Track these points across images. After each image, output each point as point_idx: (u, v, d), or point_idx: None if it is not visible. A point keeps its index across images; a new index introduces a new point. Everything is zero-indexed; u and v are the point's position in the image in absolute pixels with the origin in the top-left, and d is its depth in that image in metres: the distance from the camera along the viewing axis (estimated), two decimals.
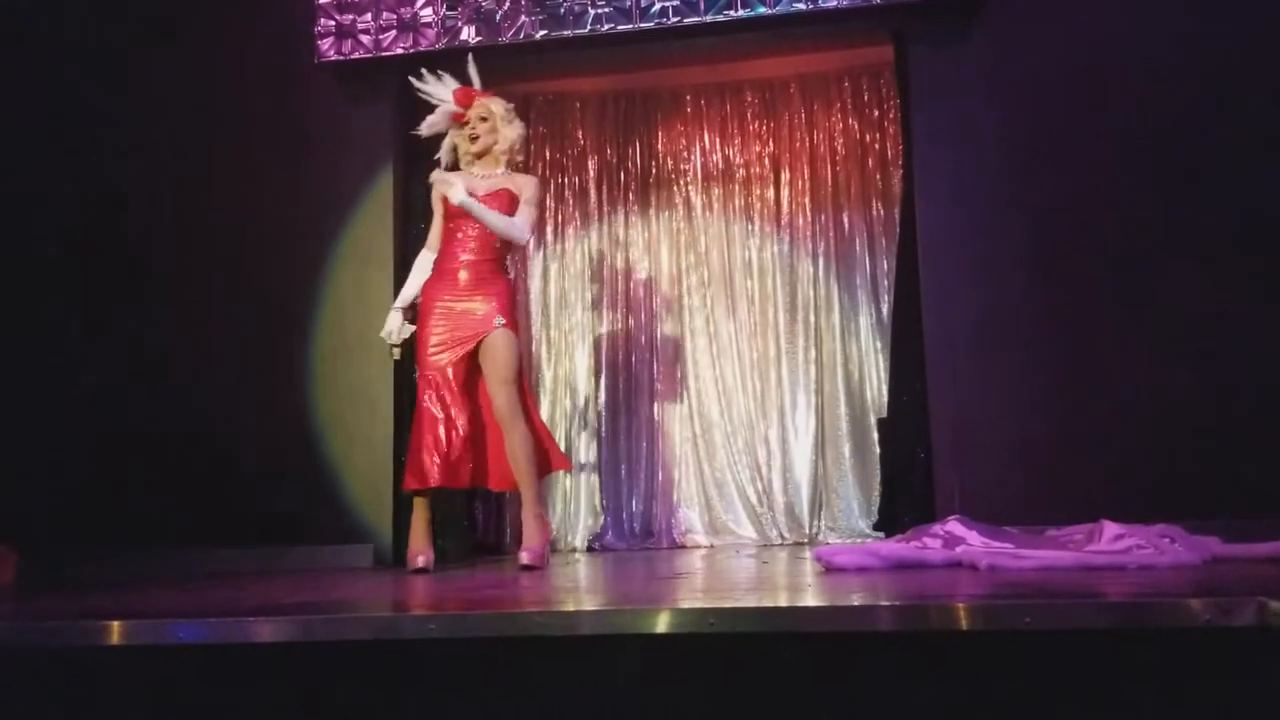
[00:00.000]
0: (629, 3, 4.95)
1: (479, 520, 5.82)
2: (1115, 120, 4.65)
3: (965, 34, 4.83)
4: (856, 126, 6.10)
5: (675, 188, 6.29)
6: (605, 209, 6.30)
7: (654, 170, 6.32)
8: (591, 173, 6.32)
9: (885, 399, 5.43)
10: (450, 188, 4.05)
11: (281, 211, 5.23)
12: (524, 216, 4.15)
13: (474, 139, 4.22)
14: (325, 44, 5.16)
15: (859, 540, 5.35)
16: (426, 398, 4.00)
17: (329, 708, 2.16)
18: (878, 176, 6.03)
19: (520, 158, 4.35)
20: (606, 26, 4.98)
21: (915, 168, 4.88)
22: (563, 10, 4.98)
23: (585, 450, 6.06)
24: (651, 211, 6.29)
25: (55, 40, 5.41)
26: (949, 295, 4.75)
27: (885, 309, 5.76)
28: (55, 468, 5.08)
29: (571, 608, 2.25)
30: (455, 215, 4.09)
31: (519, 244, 4.32)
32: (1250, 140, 4.47)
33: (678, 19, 4.90)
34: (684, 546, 5.75)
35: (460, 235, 4.11)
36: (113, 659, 2.19)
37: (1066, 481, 4.48)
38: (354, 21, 5.13)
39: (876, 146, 6.05)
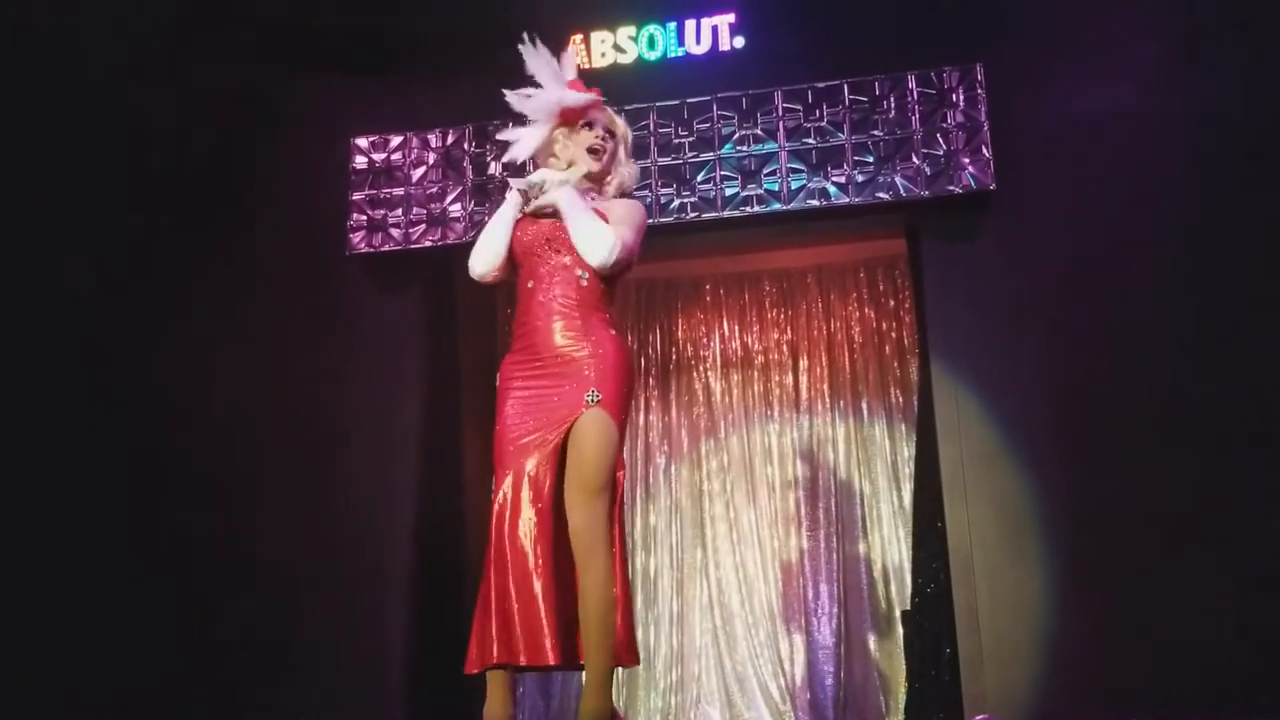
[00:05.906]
0: (649, 199, 5.10)
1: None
2: (1127, 304, 4.69)
3: (976, 227, 4.92)
4: (873, 315, 6.21)
5: (695, 374, 6.37)
6: None
7: (674, 356, 6.42)
8: None
9: (910, 590, 5.30)
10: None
11: (317, 398, 5.21)
12: (612, 231, 2.85)
13: (597, 154, 2.92)
14: (357, 237, 5.32)
15: None
16: (495, 532, 2.75)
17: None
18: (895, 364, 6.10)
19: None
20: None
21: (930, 356, 4.92)
22: None
23: None
24: (671, 397, 6.34)
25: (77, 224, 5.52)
26: (969, 484, 4.68)
27: (907, 496, 5.70)
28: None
29: None
30: (528, 250, 2.85)
31: (604, 261, 2.82)
32: (1262, 328, 4.49)
33: (695, 214, 5.06)
34: None
35: (532, 282, 2.84)
36: None
37: (1099, 676, 4.30)
38: (385, 216, 5.33)
39: (893, 334, 6.14)
